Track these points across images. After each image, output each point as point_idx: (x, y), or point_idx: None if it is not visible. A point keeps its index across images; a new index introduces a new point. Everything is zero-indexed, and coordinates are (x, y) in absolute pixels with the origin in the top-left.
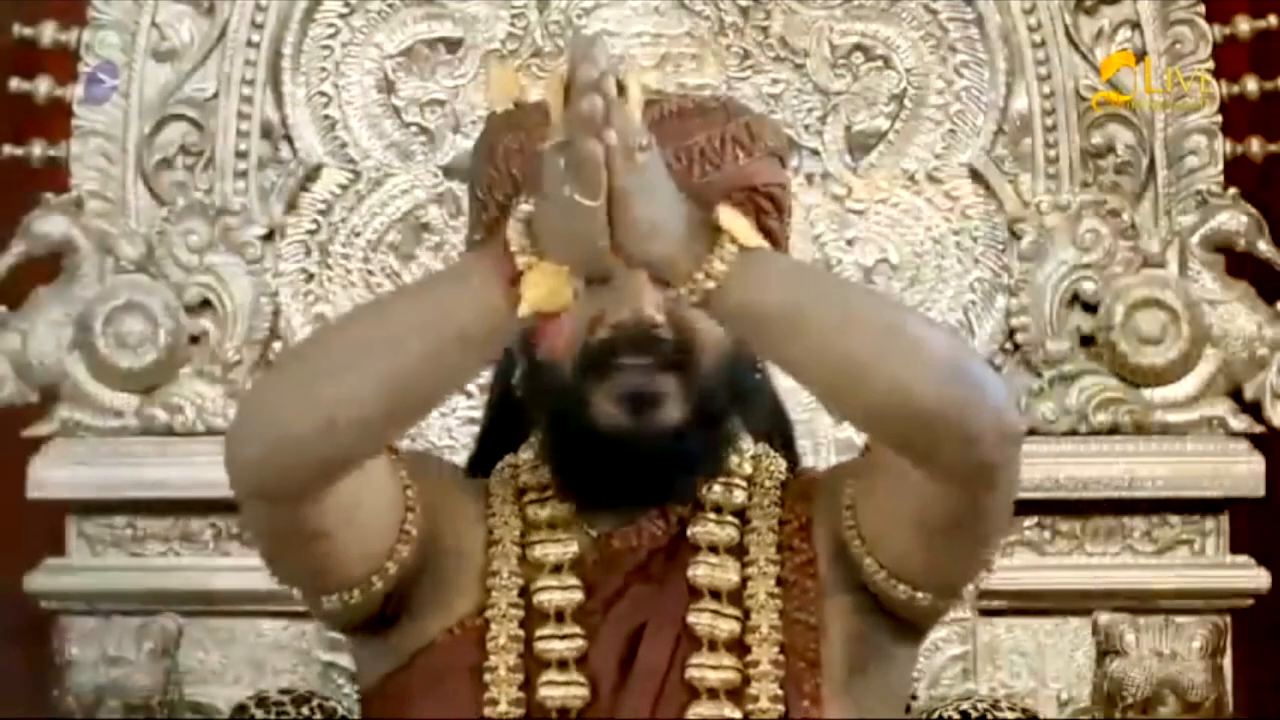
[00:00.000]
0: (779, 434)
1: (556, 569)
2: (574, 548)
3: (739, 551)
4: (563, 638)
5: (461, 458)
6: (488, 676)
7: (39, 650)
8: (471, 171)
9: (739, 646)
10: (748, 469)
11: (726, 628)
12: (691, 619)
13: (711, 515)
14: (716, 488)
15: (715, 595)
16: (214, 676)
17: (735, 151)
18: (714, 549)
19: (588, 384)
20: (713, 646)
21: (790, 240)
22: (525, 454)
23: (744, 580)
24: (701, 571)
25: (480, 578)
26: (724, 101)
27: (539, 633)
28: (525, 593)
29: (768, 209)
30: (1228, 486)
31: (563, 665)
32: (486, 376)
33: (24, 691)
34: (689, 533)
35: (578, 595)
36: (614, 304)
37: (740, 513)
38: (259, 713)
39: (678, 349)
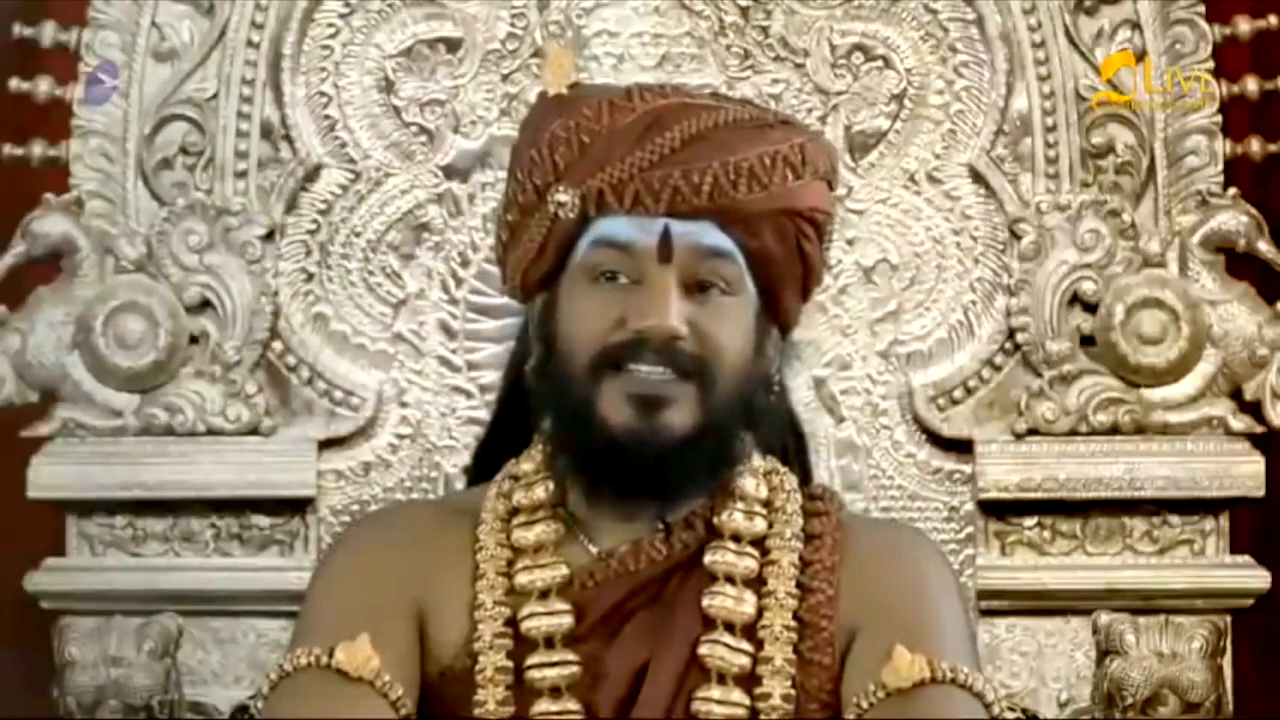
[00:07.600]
0: (792, 447)
1: (544, 595)
2: (562, 570)
3: (757, 583)
4: (553, 665)
5: (462, 458)
6: (478, 711)
7: (39, 650)
8: (515, 150)
9: (749, 680)
10: (764, 492)
11: (738, 662)
12: (703, 650)
13: (730, 544)
14: (737, 515)
15: (729, 628)
16: (214, 676)
17: (785, 173)
18: (731, 580)
19: (600, 381)
20: (722, 680)
21: (828, 259)
22: (525, 465)
23: (760, 611)
24: (718, 603)
25: (468, 612)
26: (782, 119)
27: (529, 661)
28: (513, 622)
29: (808, 234)
30: (1228, 486)
31: (555, 693)
32: (493, 374)
33: (24, 691)
34: (706, 561)
35: (567, 620)
36: (639, 307)
37: (759, 541)
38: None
39: (696, 361)
